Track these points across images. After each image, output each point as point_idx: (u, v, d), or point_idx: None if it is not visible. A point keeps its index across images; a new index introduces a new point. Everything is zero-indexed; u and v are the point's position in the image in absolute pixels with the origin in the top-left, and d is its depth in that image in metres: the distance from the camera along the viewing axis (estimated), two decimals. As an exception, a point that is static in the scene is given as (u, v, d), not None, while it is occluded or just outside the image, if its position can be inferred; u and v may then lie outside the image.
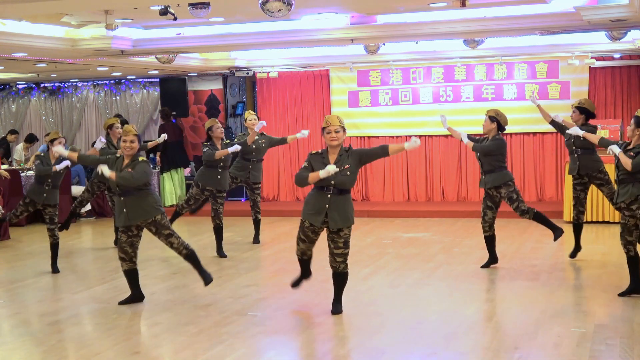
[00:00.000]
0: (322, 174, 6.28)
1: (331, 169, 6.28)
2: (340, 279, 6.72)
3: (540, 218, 8.31)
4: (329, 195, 6.46)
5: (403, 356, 5.60)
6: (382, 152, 6.56)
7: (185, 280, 8.40)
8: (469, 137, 8.49)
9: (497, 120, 8.32)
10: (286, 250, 10.17)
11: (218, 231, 9.74)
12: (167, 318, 6.74)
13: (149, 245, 10.64)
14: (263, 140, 10.34)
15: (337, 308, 6.75)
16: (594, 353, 5.46)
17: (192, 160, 15.76)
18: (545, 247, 9.75)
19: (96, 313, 7.04)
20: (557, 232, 8.35)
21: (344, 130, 6.55)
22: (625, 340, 5.74)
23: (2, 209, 11.16)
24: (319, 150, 6.62)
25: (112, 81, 16.53)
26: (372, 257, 9.42)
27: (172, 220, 9.76)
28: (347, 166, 6.42)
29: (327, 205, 6.47)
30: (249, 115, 10.39)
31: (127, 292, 7.56)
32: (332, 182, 6.42)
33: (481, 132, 8.50)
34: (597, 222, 11.56)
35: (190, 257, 7.27)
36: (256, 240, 10.62)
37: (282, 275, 8.57)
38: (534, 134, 13.57)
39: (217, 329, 6.37)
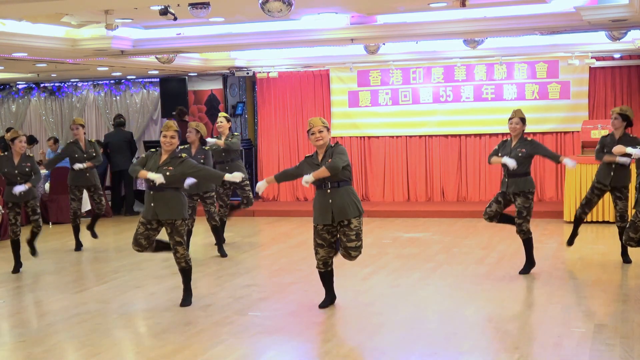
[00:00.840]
0: (303, 182, 6.60)
1: (307, 179, 6.56)
2: (324, 273, 6.89)
3: (528, 245, 8.17)
4: (328, 191, 6.59)
5: (403, 356, 5.60)
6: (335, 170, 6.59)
7: (185, 280, 8.40)
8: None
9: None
10: (286, 250, 10.18)
11: (216, 231, 9.72)
12: (167, 318, 6.74)
13: (149, 245, 10.65)
14: (230, 138, 10.08)
15: (330, 300, 7.00)
16: (594, 353, 5.46)
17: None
18: (545, 247, 9.75)
19: (96, 313, 7.03)
20: (528, 267, 8.18)
21: (328, 130, 6.69)
22: (625, 340, 5.74)
23: (2, 209, 11.14)
24: (312, 154, 6.77)
25: (112, 81, 16.53)
26: (372, 257, 9.42)
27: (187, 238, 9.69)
28: (330, 159, 6.55)
29: (330, 201, 6.58)
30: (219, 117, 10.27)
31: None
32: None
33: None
34: (597, 222, 11.56)
35: (186, 272, 7.20)
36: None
37: (282, 275, 8.57)
38: (534, 134, 13.53)
39: (217, 329, 6.37)
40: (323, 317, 6.67)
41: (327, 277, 6.95)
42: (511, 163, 7.90)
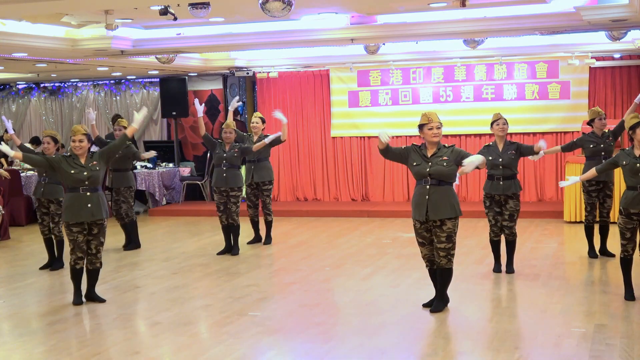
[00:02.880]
0: (383, 136, 6.38)
1: (383, 135, 6.36)
2: (441, 274, 6.61)
3: (513, 247, 8.21)
4: (427, 186, 6.48)
5: (403, 356, 5.60)
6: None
7: (185, 280, 8.41)
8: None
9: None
10: (286, 250, 10.18)
11: (233, 229, 9.85)
12: (167, 318, 6.74)
13: (149, 245, 10.65)
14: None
15: (437, 306, 6.68)
16: (594, 353, 5.46)
17: (192, 160, 15.77)
18: (545, 247, 9.75)
19: (96, 313, 7.04)
20: (497, 268, 8.24)
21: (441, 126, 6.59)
22: (625, 340, 5.74)
23: (2, 209, 11.16)
24: (420, 145, 6.63)
25: (112, 81, 16.53)
26: (372, 257, 9.43)
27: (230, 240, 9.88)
28: (444, 157, 6.44)
29: (427, 197, 6.48)
30: (254, 117, 10.50)
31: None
32: (429, 172, 6.46)
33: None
34: (597, 222, 11.54)
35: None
36: (267, 240, 10.60)
37: (282, 275, 8.57)
38: (534, 134, 13.55)
39: (217, 329, 6.37)
40: (323, 317, 6.67)
41: (433, 275, 6.78)
42: (543, 144, 7.76)
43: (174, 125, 15.77)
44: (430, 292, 7.48)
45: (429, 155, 6.51)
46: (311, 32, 10.46)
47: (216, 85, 15.46)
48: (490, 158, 8.02)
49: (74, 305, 7.26)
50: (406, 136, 14.33)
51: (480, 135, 13.88)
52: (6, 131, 15.19)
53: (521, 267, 8.47)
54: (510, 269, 8.22)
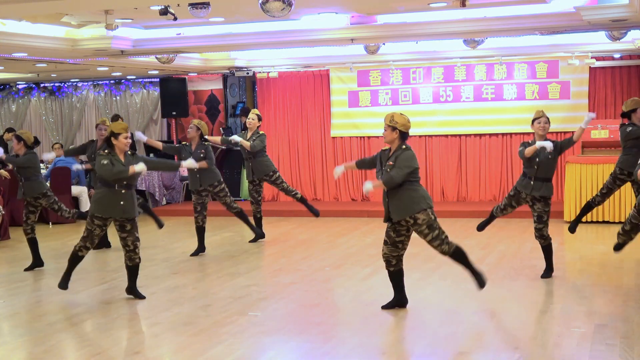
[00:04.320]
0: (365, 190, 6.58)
1: (367, 187, 6.51)
2: (454, 258, 6.63)
3: (548, 251, 7.96)
4: (385, 190, 6.55)
5: (403, 356, 5.60)
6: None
7: (185, 280, 8.41)
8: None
9: None
10: (286, 250, 10.18)
11: (241, 216, 9.99)
12: (167, 318, 6.74)
13: (150, 245, 10.65)
14: (253, 139, 10.30)
15: (478, 280, 6.71)
16: (594, 353, 5.46)
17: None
18: (545, 247, 9.74)
19: (96, 313, 7.04)
20: (549, 272, 7.99)
21: (393, 129, 6.62)
22: (625, 340, 5.74)
23: (2, 209, 11.15)
24: (387, 149, 6.71)
25: (112, 81, 16.54)
26: (372, 257, 9.42)
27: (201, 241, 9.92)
28: (390, 162, 6.49)
29: (386, 200, 6.55)
30: (251, 114, 10.50)
31: (124, 292, 7.56)
32: (381, 177, 6.54)
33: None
34: (597, 222, 11.56)
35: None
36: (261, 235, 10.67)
37: (282, 275, 8.57)
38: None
39: (217, 329, 6.37)
40: (323, 317, 6.67)
41: (393, 277, 6.77)
42: (548, 145, 7.58)
43: (174, 125, 15.78)
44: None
45: (385, 160, 6.59)
46: (311, 32, 10.47)
47: (216, 85, 15.47)
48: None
49: (59, 288, 7.38)
50: (406, 136, 14.34)
51: (480, 135, 13.89)
52: (6, 131, 15.22)
53: (521, 267, 8.46)
54: (546, 274, 7.93)
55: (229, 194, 9.88)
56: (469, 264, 6.66)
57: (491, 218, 8.33)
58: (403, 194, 6.44)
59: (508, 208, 8.09)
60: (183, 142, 9.87)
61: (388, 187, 6.50)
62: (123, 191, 7.15)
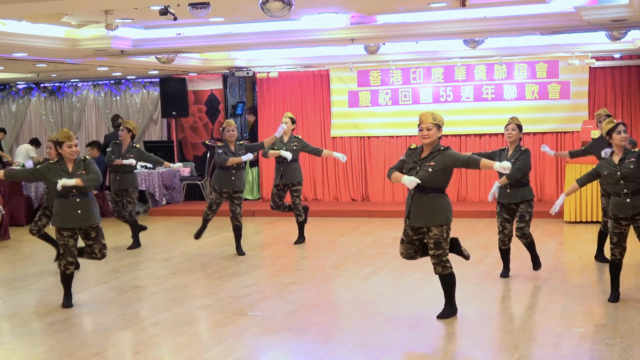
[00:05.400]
0: (405, 181, 6.24)
1: (408, 180, 6.22)
2: (442, 283, 6.51)
3: (532, 248, 8.01)
4: (412, 191, 6.35)
5: (403, 356, 5.60)
6: (472, 163, 6.23)
7: (185, 280, 8.41)
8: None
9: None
10: (286, 250, 10.18)
11: (237, 231, 9.75)
12: (167, 318, 6.74)
13: (150, 245, 10.66)
14: (295, 144, 10.23)
15: (443, 312, 6.51)
16: (594, 353, 5.46)
17: (192, 160, 15.76)
18: (546, 247, 9.75)
19: (96, 313, 7.04)
20: (538, 265, 8.06)
21: (438, 127, 6.31)
22: (625, 340, 5.74)
23: (2, 209, 11.16)
24: (418, 146, 6.45)
25: (112, 81, 16.54)
26: (372, 257, 9.42)
27: (201, 230, 9.82)
28: (432, 163, 6.26)
29: (410, 202, 6.39)
30: (284, 117, 10.33)
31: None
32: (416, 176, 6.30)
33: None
34: (597, 222, 11.55)
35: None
36: (300, 239, 10.47)
37: (282, 275, 8.57)
38: (534, 134, 13.55)
39: (217, 329, 6.37)
40: (323, 317, 6.67)
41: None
42: (507, 165, 7.59)
43: (174, 125, 15.78)
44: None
45: (422, 157, 6.35)
46: (311, 32, 10.46)
47: (216, 85, 15.47)
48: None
49: (63, 308, 7.20)
50: (406, 136, 14.36)
51: (480, 135, 13.89)
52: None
53: (521, 267, 8.46)
54: (536, 266, 8.01)
55: (241, 205, 9.77)
56: (451, 294, 6.52)
57: (504, 255, 8.11)
58: (428, 201, 6.29)
59: (505, 224, 7.87)
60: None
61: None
62: (77, 200, 7.05)
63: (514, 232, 7.89)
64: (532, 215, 7.86)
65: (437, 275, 6.49)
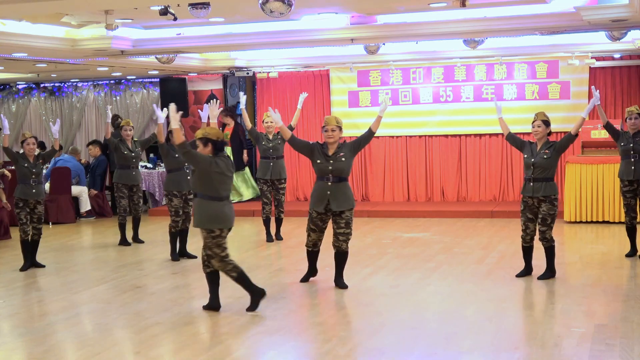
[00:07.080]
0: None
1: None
2: (341, 257, 7.65)
3: (551, 253, 7.86)
4: (329, 183, 7.41)
5: (403, 356, 5.60)
6: (368, 134, 7.54)
7: (185, 280, 8.41)
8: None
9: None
10: (286, 250, 10.18)
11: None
12: (167, 318, 6.74)
13: (150, 246, 10.66)
14: (280, 139, 10.55)
15: (340, 282, 7.65)
16: (594, 353, 5.46)
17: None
18: (545, 247, 9.74)
19: (96, 313, 7.04)
20: (549, 274, 7.89)
21: (340, 129, 7.46)
22: (625, 340, 5.74)
23: (8, 206, 11.15)
24: (322, 143, 7.52)
25: (112, 81, 16.53)
26: (372, 257, 9.42)
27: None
28: (341, 154, 7.40)
29: (328, 192, 7.41)
30: (265, 117, 10.65)
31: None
32: (331, 170, 7.38)
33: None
34: (597, 222, 11.56)
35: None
36: (278, 236, 10.89)
37: (282, 275, 8.57)
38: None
39: (217, 329, 6.37)
40: (323, 317, 6.67)
41: (313, 257, 7.95)
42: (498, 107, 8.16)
43: (174, 125, 15.75)
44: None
45: (330, 153, 7.41)
46: (311, 32, 10.47)
47: (216, 85, 15.46)
48: (524, 155, 7.80)
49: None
50: (406, 136, 14.36)
51: (480, 135, 13.89)
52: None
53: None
54: (544, 275, 7.85)
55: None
56: (343, 266, 7.75)
57: (527, 253, 8.01)
58: (346, 189, 7.44)
59: (528, 224, 7.79)
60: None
61: None
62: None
63: (537, 234, 7.80)
64: (556, 216, 7.75)
65: (339, 252, 7.58)
